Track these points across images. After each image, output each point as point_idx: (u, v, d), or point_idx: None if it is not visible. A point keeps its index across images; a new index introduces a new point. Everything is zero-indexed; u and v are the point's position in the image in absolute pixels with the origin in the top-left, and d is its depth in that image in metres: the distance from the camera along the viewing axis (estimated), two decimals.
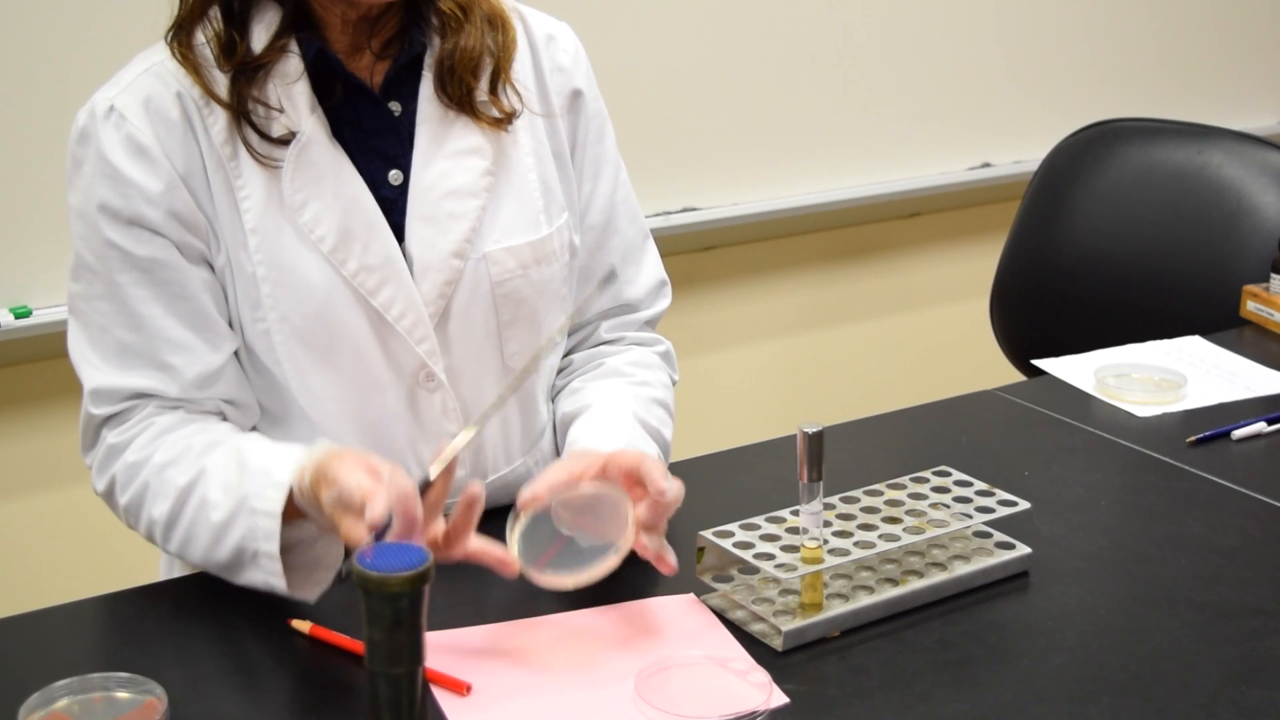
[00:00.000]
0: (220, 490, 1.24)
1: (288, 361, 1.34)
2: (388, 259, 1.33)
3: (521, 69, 1.42)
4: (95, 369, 1.33)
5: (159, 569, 1.54)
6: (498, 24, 1.38)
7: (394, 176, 1.35)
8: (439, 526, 1.18)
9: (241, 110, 1.30)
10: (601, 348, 1.52)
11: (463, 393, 1.39)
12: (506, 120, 1.38)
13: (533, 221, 1.40)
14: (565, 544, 1.22)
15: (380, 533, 1.07)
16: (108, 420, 1.33)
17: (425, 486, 1.15)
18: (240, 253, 1.32)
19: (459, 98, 1.36)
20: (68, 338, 1.36)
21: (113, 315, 1.31)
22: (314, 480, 1.17)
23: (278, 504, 1.20)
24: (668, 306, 1.56)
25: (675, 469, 1.53)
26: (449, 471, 1.17)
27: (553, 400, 1.52)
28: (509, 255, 1.38)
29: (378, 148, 1.35)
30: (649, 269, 1.54)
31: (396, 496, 1.10)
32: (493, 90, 1.38)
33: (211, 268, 1.33)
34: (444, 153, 1.36)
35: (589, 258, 1.50)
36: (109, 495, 1.35)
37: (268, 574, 1.21)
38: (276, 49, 1.30)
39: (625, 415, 1.40)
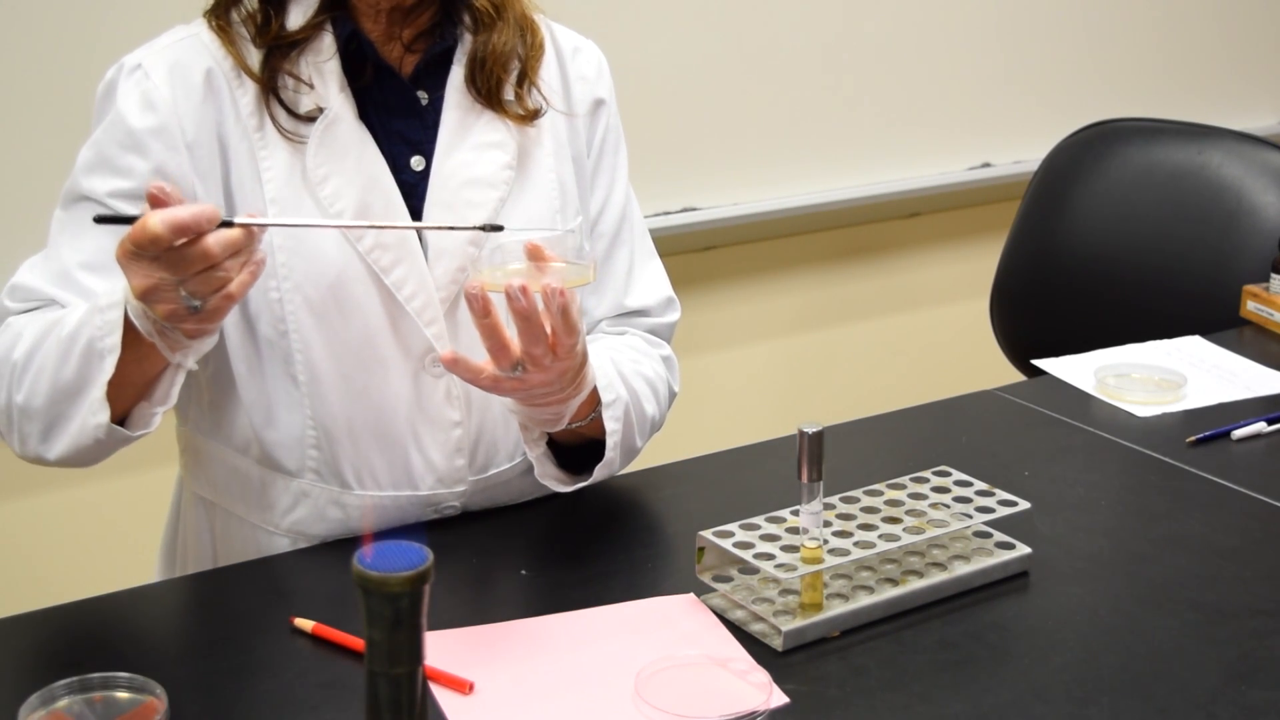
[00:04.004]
0: (77, 312, 1.25)
1: (295, 333, 1.35)
2: (402, 239, 1.35)
3: (548, 73, 1.45)
4: (30, 269, 1.34)
5: (155, 569, 1.54)
6: (527, 28, 1.42)
7: (416, 162, 1.38)
8: (217, 259, 1.12)
9: (271, 85, 1.33)
10: (598, 334, 1.52)
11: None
12: (531, 117, 1.41)
13: (549, 219, 1.43)
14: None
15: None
16: (18, 313, 1.33)
17: (224, 225, 1.12)
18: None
19: (487, 91, 1.39)
20: None
21: (65, 236, 1.33)
22: None
23: (119, 294, 1.19)
24: (676, 321, 1.55)
25: (676, 469, 1.53)
26: (254, 234, 1.13)
27: None
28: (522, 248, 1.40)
29: (402, 132, 1.38)
30: (656, 283, 1.54)
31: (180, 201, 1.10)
32: (519, 89, 1.41)
33: None
34: (467, 143, 1.39)
35: (598, 266, 1.50)
36: None
37: (103, 374, 1.20)
38: (311, 26, 1.34)
39: (602, 349, 1.41)
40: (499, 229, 1.24)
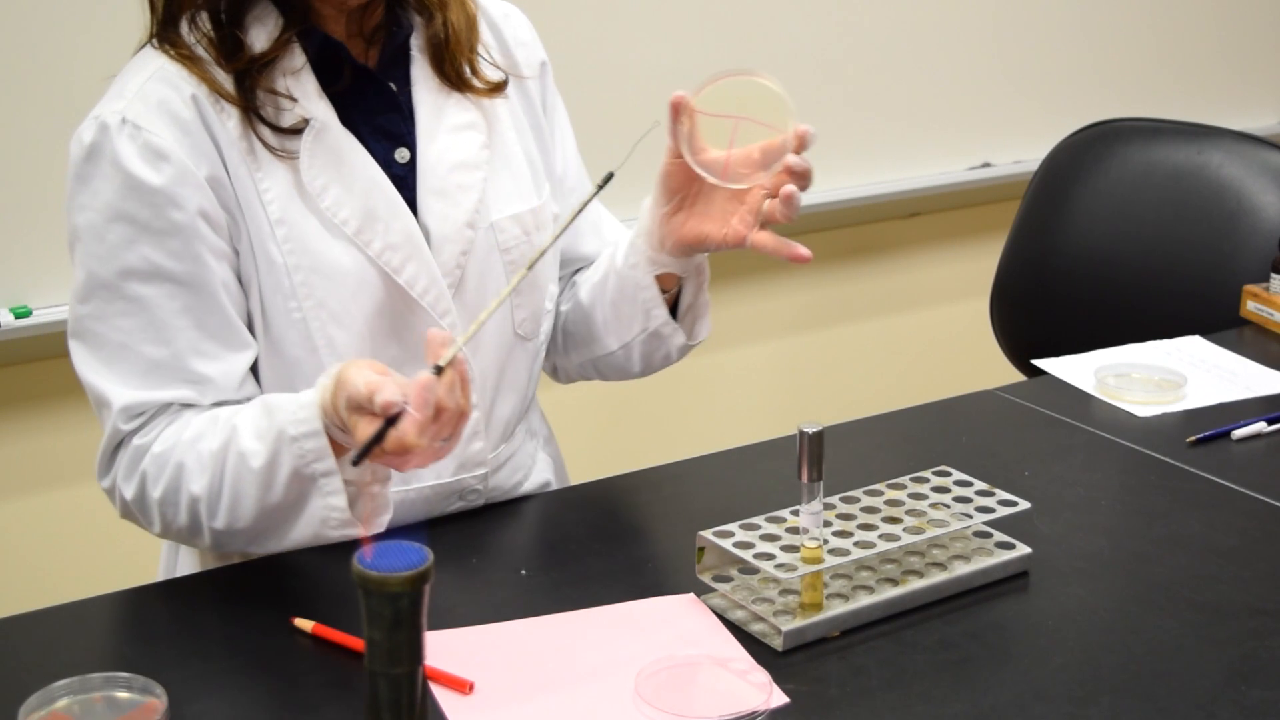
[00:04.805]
0: (254, 438, 1.24)
1: (325, 349, 1.34)
2: (409, 236, 1.35)
3: (488, 43, 1.47)
4: (122, 387, 1.29)
5: (159, 568, 1.54)
6: (460, 1, 1.43)
7: (401, 155, 1.38)
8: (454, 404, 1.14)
9: (251, 106, 1.32)
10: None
11: (480, 362, 1.42)
12: (497, 88, 1.43)
13: (526, 192, 1.45)
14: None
15: (392, 420, 1.09)
16: (135, 431, 1.30)
17: (436, 373, 1.12)
18: (268, 244, 1.32)
19: (454, 75, 1.40)
20: (75, 362, 1.32)
21: (138, 331, 1.29)
22: (334, 393, 1.18)
23: (315, 423, 1.21)
24: None
25: (675, 469, 1.53)
26: (458, 362, 1.14)
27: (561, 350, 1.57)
28: (514, 223, 1.43)
29: (384, 128, 1.38)
30: (615, 221, 1.62)
31: (409, 384, 1.10)
32: (470, 59, 1.42)
33: (233, 267, 1.33)
34: (444, 128, 1.40)
35: (581, 218, 1.53)
36: (140, 499, 1.30)
37: (328, 494, 1.23)
38: (280, 43, 1.32)
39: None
40: (611, 176, 1.25)
